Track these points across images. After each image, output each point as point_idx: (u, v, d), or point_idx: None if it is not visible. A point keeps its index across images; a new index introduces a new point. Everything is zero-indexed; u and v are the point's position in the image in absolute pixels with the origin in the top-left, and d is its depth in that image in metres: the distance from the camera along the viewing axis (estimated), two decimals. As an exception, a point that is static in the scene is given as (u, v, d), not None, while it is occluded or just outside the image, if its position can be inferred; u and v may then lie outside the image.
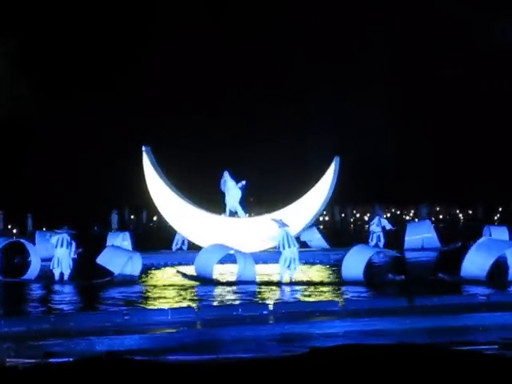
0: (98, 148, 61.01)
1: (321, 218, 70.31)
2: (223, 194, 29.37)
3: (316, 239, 31.09)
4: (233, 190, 29.16)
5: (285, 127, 67.97)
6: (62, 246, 21.68)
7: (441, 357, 9.61)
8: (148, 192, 29.66)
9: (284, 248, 20.64)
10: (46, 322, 12.97)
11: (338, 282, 20.15)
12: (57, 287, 20.77)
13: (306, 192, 28.61)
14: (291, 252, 20.65)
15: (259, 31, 67.71)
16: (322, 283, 20.28)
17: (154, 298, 18.00)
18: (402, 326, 12.97)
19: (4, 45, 46.79)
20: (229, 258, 22.47)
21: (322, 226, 54.55)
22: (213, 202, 30.64)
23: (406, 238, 31.34)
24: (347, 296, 17.79)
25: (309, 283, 20.26)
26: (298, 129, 69.39)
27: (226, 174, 29.26)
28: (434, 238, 31.70)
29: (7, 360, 10.54)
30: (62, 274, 21.75)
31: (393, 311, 13.97)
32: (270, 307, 14.42)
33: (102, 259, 22.11)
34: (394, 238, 31.94)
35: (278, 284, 20.32)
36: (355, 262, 20.13)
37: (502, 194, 61.80)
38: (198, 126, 65.82)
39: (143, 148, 29.52)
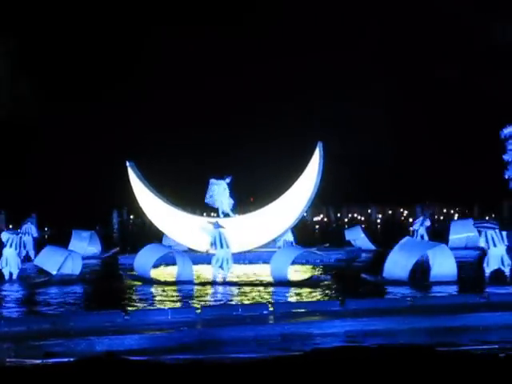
0: (99, 148, 61.03)
1: (314, 218, 70.42)
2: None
3: (361, 238, 31.37)
4: (220, 188, 29.30)
5: (284, 127, 67.91)
6: (10, 246, 21.92)
7: (439, 357, 9.61)
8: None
9: (217, 248, 21.23)
10: (46, 322, 12.97)
11: (268, 283, 20.37)
12: (4, 287, 20.93)
13: (294, 182, 28.07)
14: (224, 252, 21.14)
15: (259, 31, 67.67)
16: (251, 284, 20.55)
17: (83, 299, 18.35)
18: (402, 326, 12.97)
19: (4, 45, 46.79)
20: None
21: (317, 226, 54.60)
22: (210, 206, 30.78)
23: (450, 237, 31.33)
24: (273, 296, 18.24)
25: (240, 283, 20.58)
26: (298, 129, 69.34)
27: (213, 181, 29.40)
28: (477, 237, 32.04)
29: (7, 360, 10.53)
30: (11, 274, 21.93)
31: (393, 311, 13.97)
32: (270, 307, 14.42)
33: (40, 259, 22.43)
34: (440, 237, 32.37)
35: (212, 284, 20.67)
36: (281, 262, 20.49)
37: (497, 193, 62.16)
38: (199, 126, 65.80)
39: (127, 163, 29.83)
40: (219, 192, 29.28)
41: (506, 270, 19.60)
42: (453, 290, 18.24)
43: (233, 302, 16.93)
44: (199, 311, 14.14)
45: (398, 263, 19.45)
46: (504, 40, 55.70)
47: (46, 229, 58.27)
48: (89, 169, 62.96)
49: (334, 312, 14.03)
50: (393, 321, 13.20)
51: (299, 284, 19.90)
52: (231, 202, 29.47)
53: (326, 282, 20.21)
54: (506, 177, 65.38)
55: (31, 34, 55.67)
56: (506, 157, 65.27)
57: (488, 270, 19.65)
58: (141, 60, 64.34)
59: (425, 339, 12.28)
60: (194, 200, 31.65)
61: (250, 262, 26.58)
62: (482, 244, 20.03)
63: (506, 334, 12.48)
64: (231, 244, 21.76)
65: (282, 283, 19.76)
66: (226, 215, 29.58)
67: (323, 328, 12.88)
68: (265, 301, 16.63)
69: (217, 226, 21.77)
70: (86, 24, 63.44)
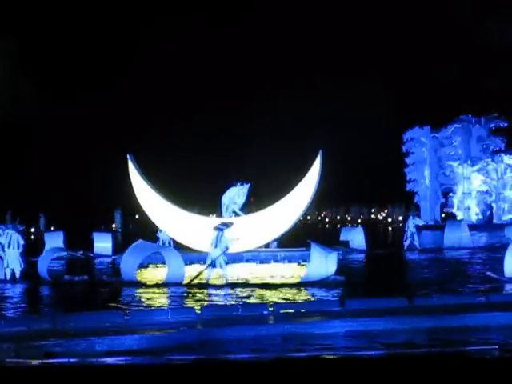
0: (96, 150, 61.04)
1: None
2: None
3: None
4: (241, 191, 29.61)
5: (283, 127, 67.90)
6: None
7: (439, 358, 9.61)
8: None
9: (4, 250, 22.15)
10: (46, 322, 12.96)
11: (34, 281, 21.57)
12: None
13: (293, 188, 28.82)
14: (9, 253, 21.99)
15: (258, 31, 67.56)
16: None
17: None
18: (402, 326, 12.96)
19: (3, 45, 46.79)
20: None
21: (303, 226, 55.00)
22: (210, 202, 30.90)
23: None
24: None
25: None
26: (296, 130, 69.35)
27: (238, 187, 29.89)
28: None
29: (7, 360, 10.52)
30: None
31: (393, 311, 13.96)
32: (270, 307, 14.41)
33: None
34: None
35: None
36: (42, 262, 22.00)
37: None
38: (199, 127, 65.69)
39: (128, 156, 29.85)
40: (238, 193, 29.60)
41: (225, 272, 20.51)
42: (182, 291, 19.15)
43: (233, 302, 16.94)
44: (199, 311, 14.14)
45: (128, 263, 20.78)
46: (503, 39, 55.87)
47: (52, 228, 58.41)
48: (86, 169, 62.87)
49: (334, 312, 14.02)
50: (393, 321, 13.19)
51: (55, 284, 21.24)
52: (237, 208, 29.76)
53: (78, 283, 21.37)
54: (407, 178, 66.18)
55: (27, 33, 55.67)
56: (408, 159, 66.04)
57: (210, 271, 20.58)
58: (137, 62, 64.34)
59: (425, 339, 12.28)
60: (193, 199, 31.68)
61: (247, 262, 27.00)
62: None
63: (506, 334, 12.48)
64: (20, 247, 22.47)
65: (45, 282, 21.25)
66: (237, 215, 29.77)
67: (323, 328, 12.87)
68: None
69: (12, 228, 22.51)
70: (82, 28, 63.40)
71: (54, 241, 30.95)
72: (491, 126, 64.67)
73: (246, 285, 20.07)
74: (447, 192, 66.50)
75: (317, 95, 67.74)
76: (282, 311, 14.11)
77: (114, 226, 64.45)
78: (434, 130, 65.43)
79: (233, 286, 19.79)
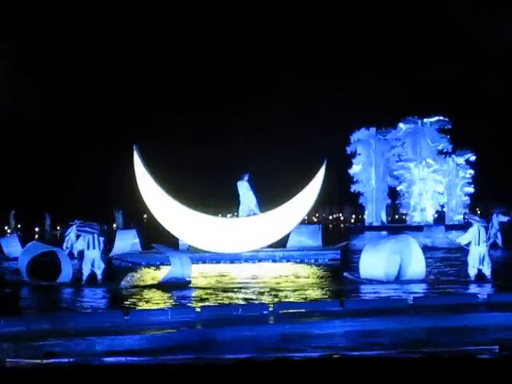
0: (105, 147, 60.95)
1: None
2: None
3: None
4: (243, 189, 29.75)
5: (285, 126, 67.90)
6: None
7: (439, 358, 9.60)
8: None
9: None
10: (46, 322, 12.96)
11: None
12: None
13: (296, 188, 28.99)
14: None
15: (256, 30, 67.59)
16: None
17: None
18: (402, 326, 12.96)
19: (3, 45, 46.77)
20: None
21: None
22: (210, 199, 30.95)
23: None
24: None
25: None
26: (296, 130, 69.35)
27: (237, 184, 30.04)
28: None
29: (7, 360, 10.52)
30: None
31: (393, 311, 13.96)
32: (270, 307, 14.41)
33: None
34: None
35: None
36: None
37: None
38: (199, 126, 65.69)
39: (134, 147, 29.43)
40: (243, 193, 29.73)
41: (98, 273, 21.06)
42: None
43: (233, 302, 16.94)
44: (199, 311, 14.14)
45: (23, 264, 21.63)
46: (503, 39, 55.93)
47: (57, 228, 58.48)
48: (86, 169, 62.82)
49: (334, 312, 14.02)
50: (393, 321, 13.19)
51: None
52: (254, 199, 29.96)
53: None
54: (354, 180, 65.96)
55: (27, 33, 55.64)
56: (355, 160, 65.87)
57: (86, 273, 21.11)
58: (134, 58, 64.29)
59: (424, 339, 12.28)
60: (193, 193, 31.70)
61: (246, 261, 27.21)
62: (80, 246, 21.63)
63: (506, 334, 12.48)
64: None
65: None
66: (254, 214, 29.83)
67: (323, 328, 12.87)
68: None
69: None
70: (82, 23, 63.35)
71: (128, 238, 30.35)
72: (436, 127, 64.75)
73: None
74: (402, 194, 66.34)
75: (318, 95, 67.71)
76: (281, 311, 14.12)
77: (114, 225, 64.37)
78: (382, 131, 65.21)
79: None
